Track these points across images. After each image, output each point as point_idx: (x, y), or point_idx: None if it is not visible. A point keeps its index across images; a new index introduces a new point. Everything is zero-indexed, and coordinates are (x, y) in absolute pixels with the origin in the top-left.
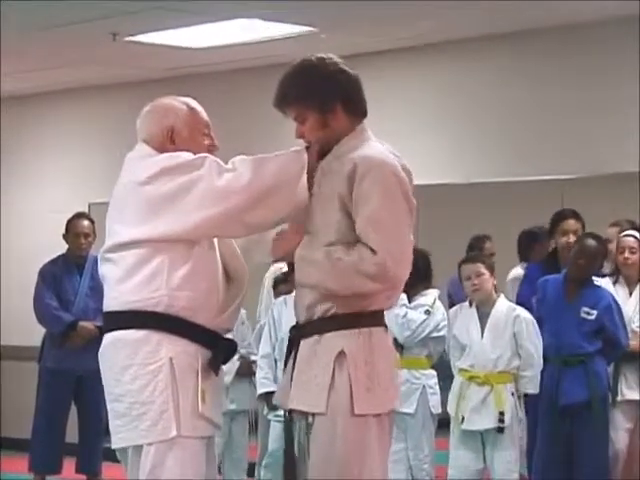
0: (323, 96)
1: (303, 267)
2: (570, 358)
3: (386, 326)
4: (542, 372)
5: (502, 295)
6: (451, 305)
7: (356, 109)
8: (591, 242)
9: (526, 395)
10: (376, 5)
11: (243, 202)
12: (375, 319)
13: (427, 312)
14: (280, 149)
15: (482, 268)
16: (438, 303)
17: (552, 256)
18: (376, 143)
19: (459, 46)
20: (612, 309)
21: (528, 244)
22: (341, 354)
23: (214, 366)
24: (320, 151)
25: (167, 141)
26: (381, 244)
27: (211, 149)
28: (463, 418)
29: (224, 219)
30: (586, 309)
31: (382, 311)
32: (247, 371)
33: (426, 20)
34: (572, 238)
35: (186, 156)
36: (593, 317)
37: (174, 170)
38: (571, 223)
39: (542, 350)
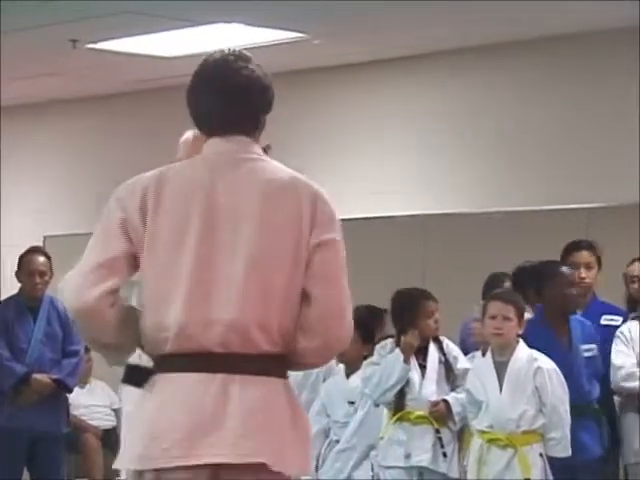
0: None
1: None
2: (583, 407)
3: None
4: None
5: (521, 341)
6: (464, 352)
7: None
8: (568, 270)
9: None
10: (372, 11)
11: None
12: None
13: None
14: None
15: (512, 313)
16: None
17: None
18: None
19: (467, 56)
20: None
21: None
22: None
23: None
24: None
25: None
26: None
27: None
28: None
29: None
30: (585, 346)
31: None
32: None
33: (429, 28)
34: (584, 273)
35: None
36: (594, 353)
37: None
38: (584, 255)
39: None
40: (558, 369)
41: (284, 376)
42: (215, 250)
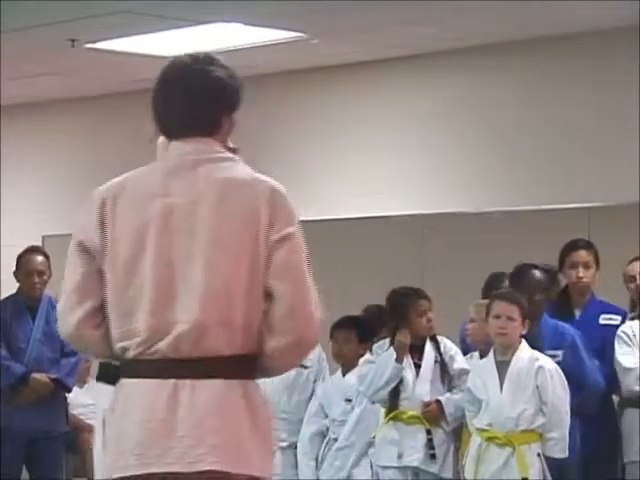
0: None
1: None
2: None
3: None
4: None
5: (524, 341)
6: (464, 352)
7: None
8: (535, 272)
9: None
10: (371, 10)
11: None
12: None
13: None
14: (258, 168)
15: (516, 313)
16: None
17: (563, 295)
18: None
19: (466, 56)
20: (578, 349)
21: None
22: None
23: None
24: None
25: None
26: None
27: None
28: None
29: None
30: (550, 352)
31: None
32: None
33: (428, 27)
34: (582, 272)
35: None
36: (559, 359)
37: None
38: (582, 254)
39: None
40: (560, 369)
41: (246, 377)
42: (174, 254)
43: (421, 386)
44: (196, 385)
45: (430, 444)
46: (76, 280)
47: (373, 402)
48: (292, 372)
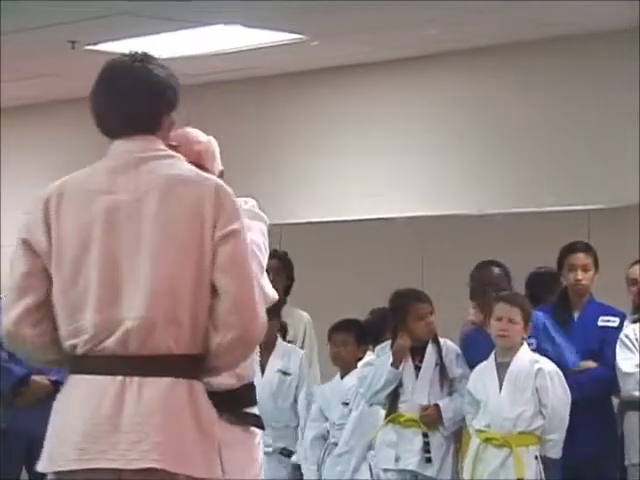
0: None
1: None
2: None
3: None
4: None
5: (525, 344)
6: (464, 353)
7: None
8: (494, 268)
9: None
10: (371, 11)
11: None
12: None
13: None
14: (261, 169)
15: (518, 315)
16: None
17: (562, 297)
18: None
19: (466, 58)
20: (548, 330)
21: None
22: None
23: None
24: None
25: None
26: None
27: None
28: None
29: None
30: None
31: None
32: None
33: (428, 29)
34: (581, 275)
35: None
36: (534, 346)
37: None
38: (580, 257)
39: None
40: (560, 371)
41: (192, 377)
42: (119, 252)
43: (420, 389)
44: (143, 382)
45: (426, 447)
46: (16, 278)
47: (371, 404)
48: (275, 379)
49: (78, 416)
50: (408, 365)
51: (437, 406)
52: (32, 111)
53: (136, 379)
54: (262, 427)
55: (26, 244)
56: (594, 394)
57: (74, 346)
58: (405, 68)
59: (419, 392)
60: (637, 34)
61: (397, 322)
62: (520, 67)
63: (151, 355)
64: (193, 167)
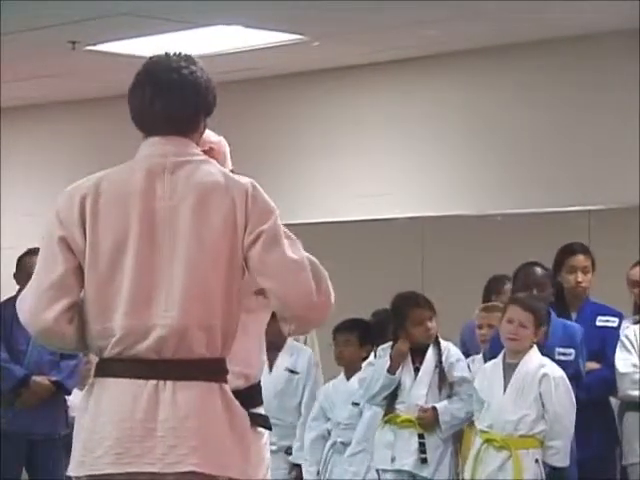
0: None
1: None
2: None
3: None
4: None
5: (535, 347)
6: (465, 355)
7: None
8: (538, 269)
9: None
10: (372, 12)
11: None
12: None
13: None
14: (260, 171)
15: (530, 320)
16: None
17: (559, 299)
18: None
19: (466, 58)
20: (583, 345)
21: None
22: None
23: None
24: None
25: None
26: None
27: None
28: None
29: None
30: (562, 349)
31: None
32: None
33: (429, 29)
34: (581, 277)
35: None
36: (571, 358)
37: None
38: (580, 259)
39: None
40: (566, 377)
41: (221, 380)
42: (155, 255)
43: (417, 391)
44: (176, 386)
45: (422, 448)
46: (55, 276)
47: (371, 405)
48: (282, 378)
49: (110, 420)
50: (407, 367)
51: (434, 409)
52: (32, 111)
53: (169, 383)
54: (269, 427)
55: (63, 242)
56: (599, 395)
57: (102, 348)
58: (405, 69)
59: (417, 393)
60: (637, 35)
61: (396, 326)
62: (520, 68)
63: (184, 359)
64: (227, 171)
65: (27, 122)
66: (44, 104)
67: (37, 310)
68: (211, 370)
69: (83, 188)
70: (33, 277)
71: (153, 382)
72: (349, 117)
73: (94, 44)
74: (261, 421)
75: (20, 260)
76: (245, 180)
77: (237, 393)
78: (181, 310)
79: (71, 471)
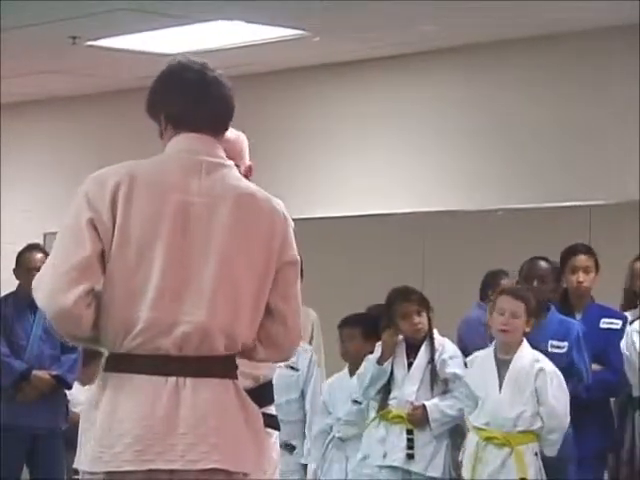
0: None
1: None
2: None
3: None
4: None
5: (525, 341)
6: (462, 350)
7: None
8: (542, 263)
9: None
10: (372, 7)
11: None
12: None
13: None
14: (260, 165)
15: (521, 309)
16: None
17: (564, 298)
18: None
19: (468, 53)
20: (581, 342)
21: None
22: None
23: None
24: None
25: None
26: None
27: None
28: None
29: None
30: (555, 342)
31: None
32: None
33: (429, 24)
34: (582, 277)
35: None
36: (564, 350)
37: None
38: (582, 259)
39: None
40: (559, 372)
41: (234, 376)
42: (187, 250)
43: (408, 386)
44: (196, 383)
45: (410, 444)
46: (78, 258)
47: (365, 399)
48: (282, 373)
49: (129, 418)
50: (401, 362)
51: (424, 407)
52: (32, 107)
53: (189, 380)
54: (278, 428)
55: (91, 224)
56: (599, 397)
57: (120, 338)
58: (406, 64)
59: (408, 389)
60: (637, 31)
61: (386, 319)
62: (520, 64)
63: (204, 357)
64: (252, 184)
65: (27, 118)
66: (44, 100)
67: (56, 292)
68: (225, 366)
69: (116, 174)
70: (50, 258)
71: (173, 379)
72: (349, 112)
73: (95, 39)
74: (270, 421)
75: (20, 256)
76: (281, 207)
77: (248, 391)
78: (209, 310)
79: (85, 466)
